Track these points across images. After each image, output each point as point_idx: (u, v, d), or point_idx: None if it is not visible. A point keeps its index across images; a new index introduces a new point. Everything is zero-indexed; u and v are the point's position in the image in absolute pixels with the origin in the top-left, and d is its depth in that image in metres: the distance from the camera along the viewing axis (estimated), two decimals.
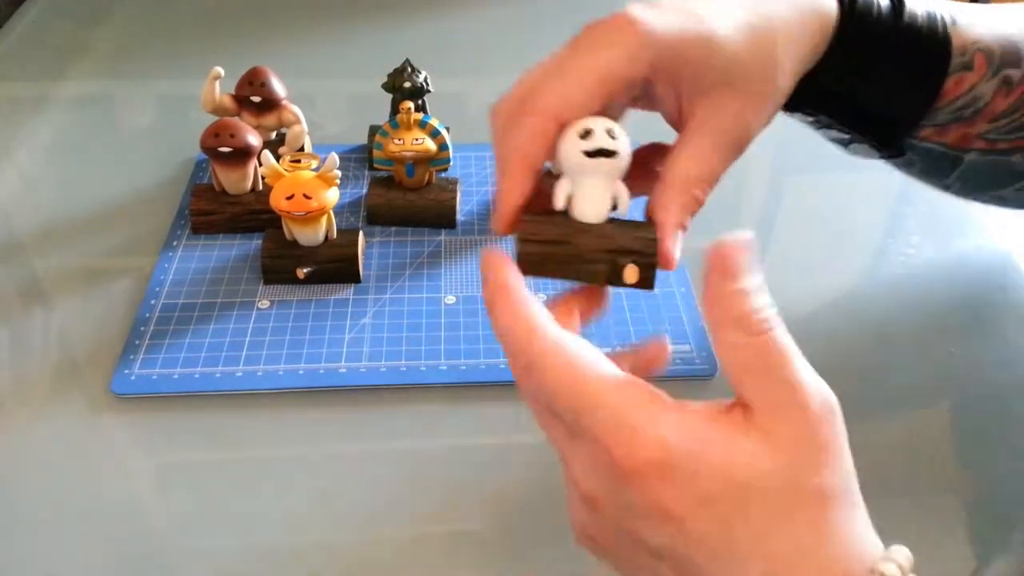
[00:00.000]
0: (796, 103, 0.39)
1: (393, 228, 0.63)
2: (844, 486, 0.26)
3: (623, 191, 0.33)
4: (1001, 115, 0.40)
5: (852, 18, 0.37)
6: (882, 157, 0.42)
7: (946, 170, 0.43)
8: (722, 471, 0.25)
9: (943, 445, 0.49)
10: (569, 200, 0.33)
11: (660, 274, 0.32)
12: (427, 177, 0.63)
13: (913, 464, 0.48)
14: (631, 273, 0.32)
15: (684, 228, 0.33)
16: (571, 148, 0.32)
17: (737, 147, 0.34)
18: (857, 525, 0.27)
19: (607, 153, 0.32)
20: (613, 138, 0.32)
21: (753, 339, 0.27)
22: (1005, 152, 0.42)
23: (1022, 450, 0.49)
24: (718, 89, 0.33)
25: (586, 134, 0.32)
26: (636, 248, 0.32)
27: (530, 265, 0.32)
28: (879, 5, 0.38)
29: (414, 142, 0.60)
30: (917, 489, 0.47)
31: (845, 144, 0.43)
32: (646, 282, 0.33)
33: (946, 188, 0.46)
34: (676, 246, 0.32)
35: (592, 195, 0.32)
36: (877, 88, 0.39)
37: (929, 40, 0.38)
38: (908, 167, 0.45)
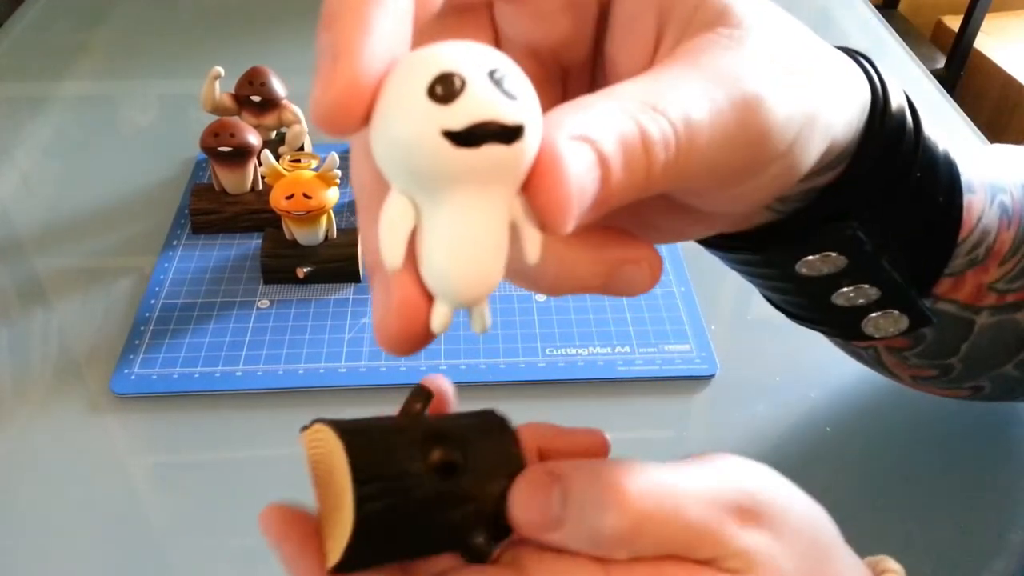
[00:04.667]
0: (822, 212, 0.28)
1: None
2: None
3: (527, 223, 0.18)
4: (1008, 254, 0.34)
5: (887, 113, 0.28)
6: (905, 332, 0.33)
7: (956, 343, 0.36)
8: None
9: (941, 443, 0.49)
10: (414, 246, 0.19)
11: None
12: None
13: (910, 463, 0.48)
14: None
15: (602, 155, 0.19)
16: (413, 122, 0.17)
17: (743, 118, 0.21)
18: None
19: (501, 134, 0.17)
20: (508, 93, 0.17)
21: None
22: (1013, 307, 0.35)
23: (1020, 447, 0.48)
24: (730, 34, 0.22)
25: (443, 87, 0.16)
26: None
27: (365, 550, 0.21)
28: (904, 109, 0.29)
29: None
30: (915, 488, 0.47)
31: (862, 314, 0.32)
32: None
33: (946, 372, 0.38)
34: (564, 171, 0.18)
35: (467, 232, 0.18)
36: (910, 212, 0.30)
37: (944, 154, 0.31)
38: (913, 348, 0.36)
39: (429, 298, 0.20)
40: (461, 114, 0.16)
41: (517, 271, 0.21)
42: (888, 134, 0.28)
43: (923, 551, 0.43)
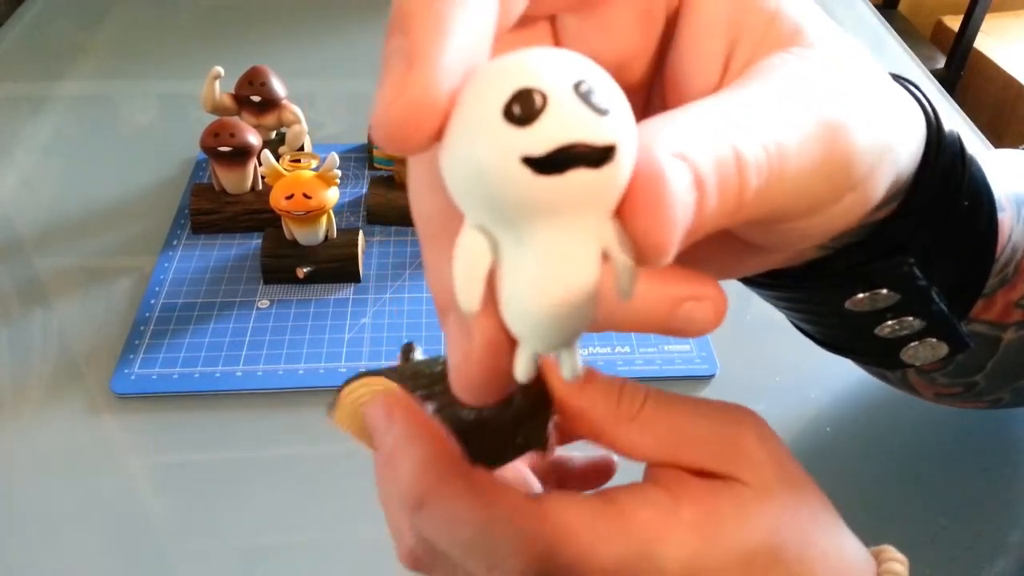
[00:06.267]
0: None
1: (393, 228, 0.63)
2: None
3: (620, 253, 0.16)
4: None
5: (941, 145, 0.27)
6: (944, 359, 0.32)
7: (983, 361, 0.36)
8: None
9: (941, 443, 0.49)
10: (490, 285, 0.17)
11: None
12: None
13: (910, 463, 0.48)
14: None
15: (699, 176, 0.17)
16: (489, 147, 0.15)
17: (829, 144, 0.20)
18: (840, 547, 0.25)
19: (589, 156, 0.15)
20: (598, 108, 0.15)
21: None
22: None
23: (1020, 447, 0.48)
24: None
25: (522, 106, 0.15)
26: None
27: None
28: (956, 138, 0.28)
29: None
30: (915, 488, 0.47)
31: (902, 344, 0.31)
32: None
33: (971, 388, 0.38)
34: (669, 191, 0.16)
35: (555, 270, 0.16)
36: (956, 241, 0.29)
37: (984, 178, 0.30)
38: (942, 369, 0.36)
39: (512, 342, 0.18)
40: (543, 137, 0.14)
41: None
42: (943, 165, 0.27)
43: (923, 551, 0.43)
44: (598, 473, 0.30)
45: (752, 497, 0.23)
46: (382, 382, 0.24)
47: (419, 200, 0.21)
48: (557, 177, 0.15)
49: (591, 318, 0.17)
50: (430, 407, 0.22)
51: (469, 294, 0.16)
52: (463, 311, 0.17)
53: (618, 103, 0.15)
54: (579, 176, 0.15)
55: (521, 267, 0.16)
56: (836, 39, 0.22)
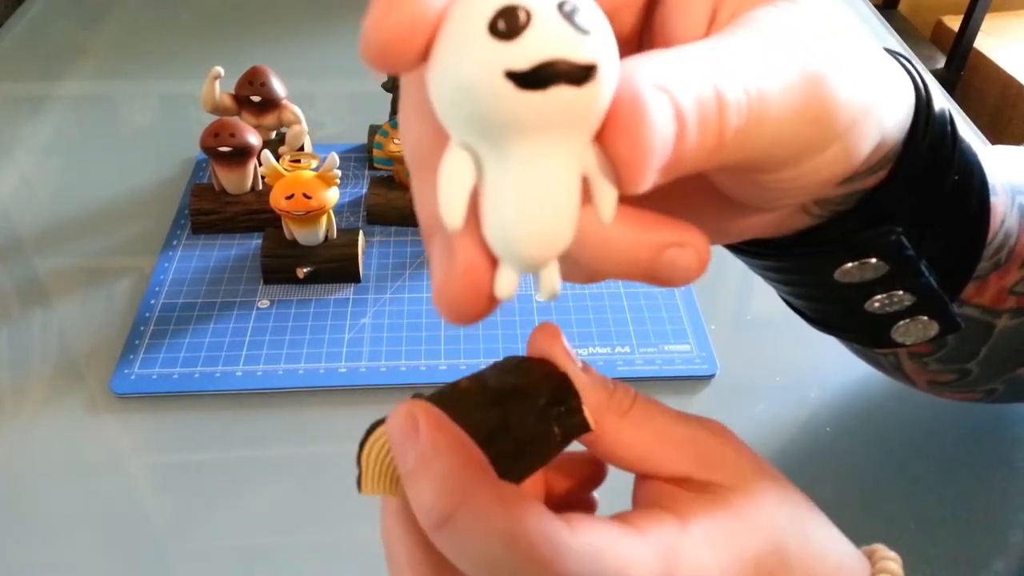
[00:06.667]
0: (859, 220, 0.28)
1: (393, 228, 0.63)
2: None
3: (601, 178, 0.17)
4: None
5: (930, 116, 0.27)
6: (934, 339, 0.32)
7: (976, 347, 0.36)
8: None
9: (941, 443, 0.49)
10: (474, 206, 0.17)
11: None
12: None
13: (910, 463, 0.48)
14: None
15: (679, 110, 0.18)
16: (473, 61, 0.15)
17: (810, 92, 0.21)
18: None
19: (571, 74, 0.15)
20: (580, 28, 0.15)
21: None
22: None
23: (1020, 447, 0.48)
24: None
25: (506, 21, 0.15)
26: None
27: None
28: (945, 112, 0.28)
29: None
30: (915, 488, 0.47)
31: (892, 321, 0.31)
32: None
33: (964, 376, 0.38)
34: (649, 117, 0.17)
35: (535, 188, 0.16)
36: (945, 216, 0.29)
37: (975, 157, 0.30)
38: (934, 353, 0.36)
39: (493, 261, 0.18)
40: (526, 52, 0.15)
41: None
42: (932, 137, 0.27)
43: (923, 551, 0.43)
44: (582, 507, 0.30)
45: (745, 502, 0.23)
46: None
47: (409, 129, 0.21)
48: (539, 93, 0.15)
49: (569, 238, 0.17)
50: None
51: (452, 210, 0.17)
52: (446, 228, 0.17)
53: (601, 26, 0.16)
54: (561, 93, 0.15)
55: (502, 184, 0.16)
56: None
